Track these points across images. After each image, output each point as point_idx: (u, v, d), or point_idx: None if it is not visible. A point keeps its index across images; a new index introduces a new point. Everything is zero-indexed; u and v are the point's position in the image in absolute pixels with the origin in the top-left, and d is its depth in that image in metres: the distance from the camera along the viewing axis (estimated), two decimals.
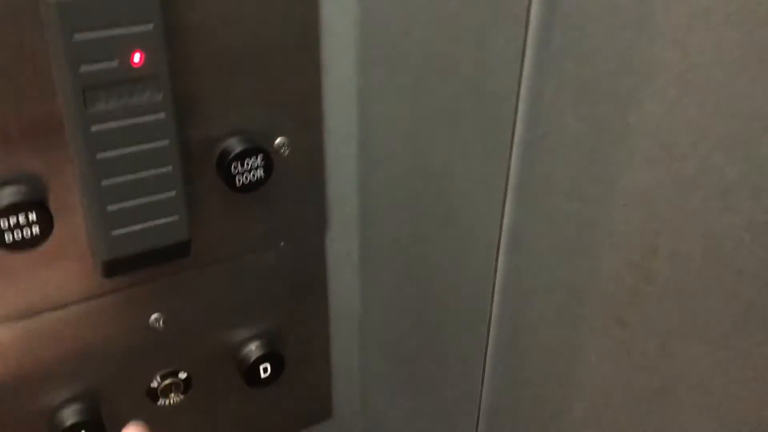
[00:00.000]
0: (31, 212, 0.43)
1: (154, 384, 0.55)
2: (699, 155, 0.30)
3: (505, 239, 0.42)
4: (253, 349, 0.58)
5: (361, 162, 0.54)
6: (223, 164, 0.49)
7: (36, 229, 0.43)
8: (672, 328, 0.34)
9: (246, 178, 0.50)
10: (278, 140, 0.51)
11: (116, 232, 0.45)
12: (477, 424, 0.51)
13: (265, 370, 0.58)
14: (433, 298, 0.52)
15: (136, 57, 0.41)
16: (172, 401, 0.56)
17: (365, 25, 0.48)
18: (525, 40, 0.34)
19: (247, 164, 0.49)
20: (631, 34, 0.30)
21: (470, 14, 0.38)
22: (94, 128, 0.42)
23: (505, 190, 0.40)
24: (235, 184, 0.49)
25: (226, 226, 0.52)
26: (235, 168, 0.49)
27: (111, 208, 0.44)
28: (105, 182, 0.44)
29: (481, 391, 0.49)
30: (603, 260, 0.36)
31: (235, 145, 0.49)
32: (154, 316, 0.53)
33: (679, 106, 0.30)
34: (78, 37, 0.39)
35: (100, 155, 0.43)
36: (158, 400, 0.56)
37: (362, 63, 0.50)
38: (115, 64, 0.40)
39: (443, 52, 0.41)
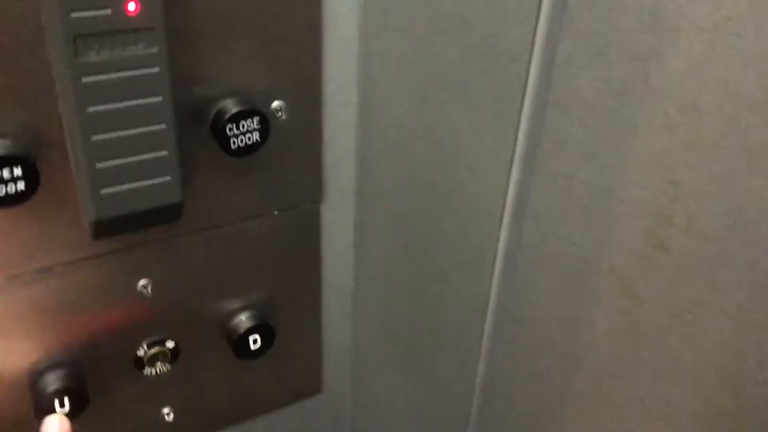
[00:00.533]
0: (16, 167, 0.41)
1: (141, 352, 0.54)
2: (724, 116, 0.28)
3: (511, 208, 0.40)
4: (244, 319, 0.56)
5: (361, 129, 0.53)
6: (218, 126, 0.47)
7: (21, 185, 0.41)
8: (686, 299, 0.32)
9: (241, 140, 0.48)
10: (275, 104, 0.50)
11: (106, 191, 0.43)
12: (472, 400, 0.50)
13: (255, 341, 0.57)
14: (431, 272, 0.51)
15: (131, 6, 0.39)
16: (158, 370, 0.55)
17: None
18: None
19: (243, 126, 0.48)
20: None
21: None
22: (85, 80, 0.40)
23: (513, 157, 0.39)
24: (230, 146, 0.48)
25: (219, 191, 0.51)
26: (231, 130, 0.47)
27: (101, 165, 0.43)
28: (95, 138, 0.42)
29: (478, 365, 0.47)
30: (614, 229, 0.35)
31: (231, 107, 0.47)
32: (142, 282, 0.51)
33: (705, 64, 0.28)
34: None
35: (90, 109, 0.41)
36: (144, 369, 0.54)
37: (365, 24, 0.48)
38: (108, 12, 0.38)
39: (453, 10, 0.39)
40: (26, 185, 0.41)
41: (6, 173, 0.40)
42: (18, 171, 0.41)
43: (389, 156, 0.51)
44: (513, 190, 0.39)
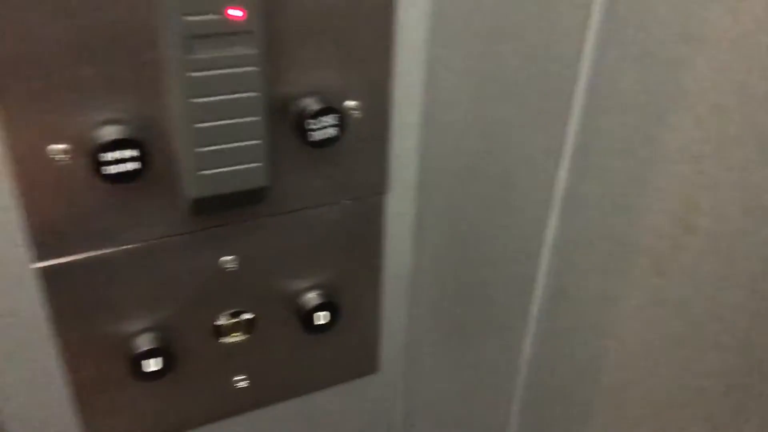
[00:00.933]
0: (131, 149, 0.47)
1: (221, 321, 0.60)
2: (744, 114, 0.33)
3: (558, 197, 0.46)
4: (313, 297, 0.62)
5: (425, 127, 0.59)
6: (300, 120, 0.53)
7: (135, 165, 0.48)
8: (707, 275, 0.37)
9: (319, 135, 0.54)
10: (350, 103, 0.56)
11: (203, 173, 0.50)
12: (518, 376, 0.55)
13: (322, 318, 0.63)
14: (483, 258, 0.56)
15: (237, 12, 0.45)
16: (235, 339, 0.61)
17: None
18: (590, 9, 0.38)
19: (322, 122, 0.54)
20: (688, 4, 0.34)
21: None
22: (192, 74, 0.46)
23: (563, 151, 0.44)
24: (309, 139, 0.54)
25: (297, 179, 0.57)
26: (310, 125, 0.53)
27: (201, 150, 0.49)
28: (197, 125, 0.48)
29: (524, 343, 0.53)
30: (647, 214, 0.40)
31: (312, 104, 0.53)
32: (228, 258, 0.57)
33: (729, 70, 0.33)
34: None
35: (195, 100, 0.47)
36: (222, 337, 0.61)
37: (433, 34, 0.54)
38: (217, 17, 0.45)
39: (512, 21, 0.45)
40: (137, 166, 0.48)
41: (124, 154, 0.47)
42: (134, 152, 0.47)
43: (449, 152, 0.57)
44: (560, 180, 0.45)
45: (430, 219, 0.62)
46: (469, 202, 0.56)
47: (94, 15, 0.45)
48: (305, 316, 0.62)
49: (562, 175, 0.44)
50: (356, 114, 0.56)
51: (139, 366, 0.57)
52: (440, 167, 0.59)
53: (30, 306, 0.53)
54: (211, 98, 0.48)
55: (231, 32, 0.46)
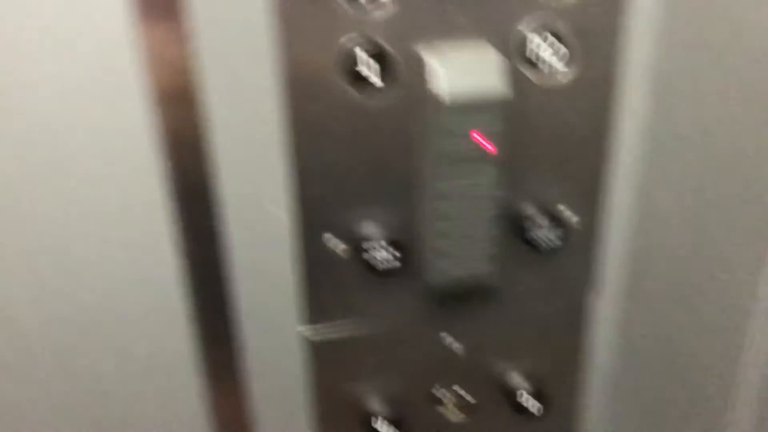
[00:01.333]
0: (394, 248, 0.58)
1: (442, 396, 0.69)
2: None
3: (763, 309, 0.50)
4: (523, 385, 0.69)
5: (636, 239, 0.65)
6: (524, 228, 0.62)
7: (394, 263, 0.59)
8: None
9: (542, 241, 0.62)
10: (570, 215, 0.64)
11: (439, 264, 0.60)
12: None
13: (531, 406, 0.69)
14: (688, 360, 0.61)
15: (484, 143, 0.55)
16: (452, 414, 0.70)
17: (654, 131, 0.60)
18: None
19: (544, 230, 0.62)
20: None
21: (750, 120, 0.49)
22: (438, 185, 0.57)
23: (762, 262, 0.49)
24: (532, 244, 0.62)
25: (518, 278, 0.65)
26: (533, 232, 0.62)
27: (441, 247, 0.59)
28: (437, 224, 0.58)
29: None
30: None
31: (535, 213, 0.62)
32: (453, 342, 0.67)
33: None
34: (446, 122, 0.55)
35: (438, 204, 0.57)
36: (442, 410, 0.69)
37: (647, 157, 0.62)
38: (468, 144, 0.55)
39: (724, 157, 0.52)
40: (399, 264, 0.59)
41: (387, 250, 0.58)
42: (396, 252, 0.58)
43: (658, 260, 0.63)
44: (763, 291, 0.50)
45: (636, 319, 0.68)
46: (675, 307, 0.61)
47: (373, 143, 0.57)
48: (515, 402, 0.69)
49: (764, 286, 0.49)
50: (575, 223, 0.64)
51: (372, 428, 0.67)
52: (649, 273, 0.65)
53: (290, 362, 0.65)
54: (450, 204, 0.57)
55: (475, 157, 0.56)
